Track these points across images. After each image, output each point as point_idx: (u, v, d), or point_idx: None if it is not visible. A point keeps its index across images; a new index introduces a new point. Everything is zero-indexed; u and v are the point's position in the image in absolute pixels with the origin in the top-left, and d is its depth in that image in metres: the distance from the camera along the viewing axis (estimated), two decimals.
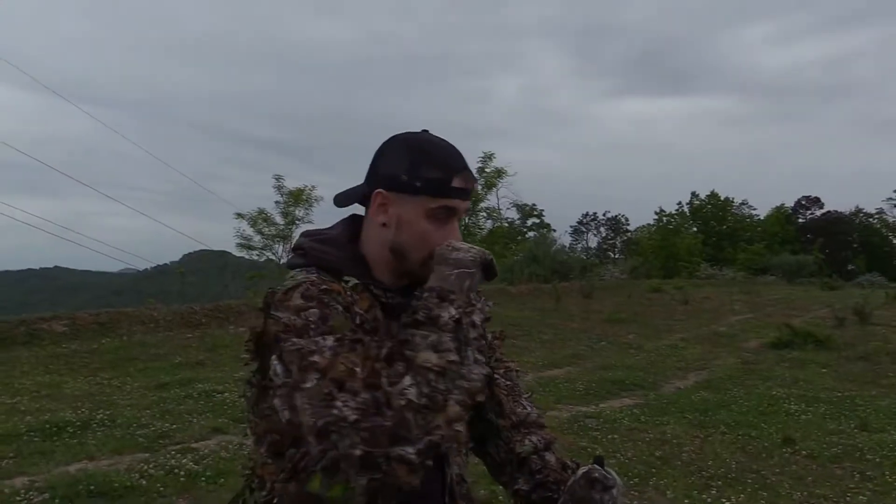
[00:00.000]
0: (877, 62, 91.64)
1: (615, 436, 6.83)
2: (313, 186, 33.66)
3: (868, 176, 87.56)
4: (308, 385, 1.07)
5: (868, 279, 37.82)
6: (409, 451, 1.04)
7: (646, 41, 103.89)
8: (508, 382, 1.56)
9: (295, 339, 1.13)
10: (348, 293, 1.27)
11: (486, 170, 23.34)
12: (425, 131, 1.37)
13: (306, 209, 33.28)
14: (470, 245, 1.29)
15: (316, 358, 1.10)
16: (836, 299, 22.16)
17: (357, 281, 1.31)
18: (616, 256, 59.09)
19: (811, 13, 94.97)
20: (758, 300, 23.89)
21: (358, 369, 1.09)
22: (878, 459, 6.05)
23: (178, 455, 5.73)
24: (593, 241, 70.24)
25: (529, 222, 56.44)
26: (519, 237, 44.23)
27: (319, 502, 1.04)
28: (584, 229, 70.67)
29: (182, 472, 5.30)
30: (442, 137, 1.37)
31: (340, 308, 1.21)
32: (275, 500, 1.21)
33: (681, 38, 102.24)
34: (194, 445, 6.07)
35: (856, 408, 8.10)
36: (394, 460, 1.03)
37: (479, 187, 22.20)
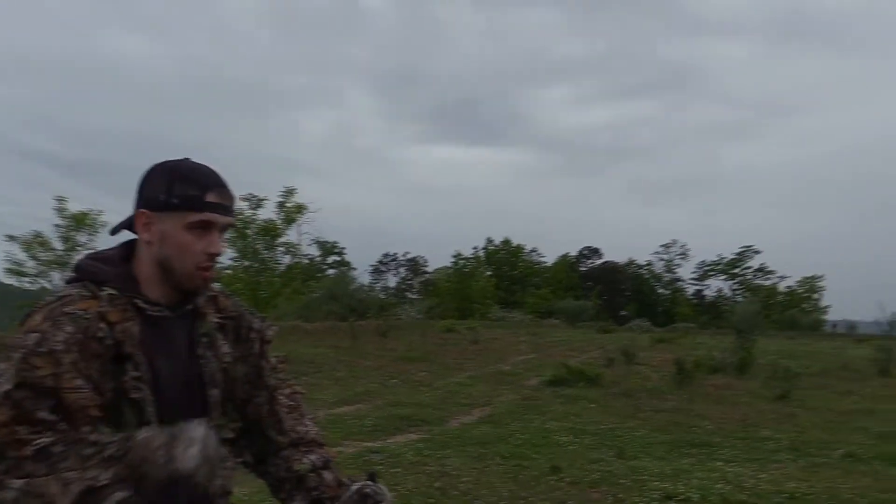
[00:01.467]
0: (654, 131, 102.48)
1: (398, 469, 6.97)
2: (100, 211, 31.31)
3: (641, 231, 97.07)
4: None
5: (637, 324, 41.61)
6: None
7: (455, 92, 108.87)
8: (291, 403, 1.63)
9: None
10: (102, 304, 1.35)
11: (287, 204, 23.06)
12: (186, 159, 1.47)
13: (90, 235, 30.81)
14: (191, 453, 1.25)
15: None
16: (609, 341, 24.20)
17: (114, 292, 1.38)
18: (413, 297, 60.35)
19: (602, 81, 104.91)
20: (541, 342, 25.50)
21: None
22: (629, 483, 6.69)
23: None
24: (392, 282, 71.34)
25: (330, 259, 56.28)
26: (318, 274, 43.93)
27: None
28: (383, 269, 71.63)
29: None
30: (201, 163, 1.47)
31: (69, 332, 1.29)
32: None
33: (488, 91, 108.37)
34: None
35: (616, 438, 8.90)
36: None
37: (253, 211, 21.84)
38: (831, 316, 51.70)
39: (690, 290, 67.95)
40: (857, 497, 6.38)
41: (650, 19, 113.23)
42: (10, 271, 30.89)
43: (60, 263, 30.56)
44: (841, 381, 15.53)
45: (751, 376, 15.15)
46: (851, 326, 41.37)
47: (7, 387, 1.24)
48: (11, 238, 30.43)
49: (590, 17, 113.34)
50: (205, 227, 1.41)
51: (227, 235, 1.50)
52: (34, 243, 30.68)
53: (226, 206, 1.44)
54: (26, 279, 31.10)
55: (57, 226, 30.90)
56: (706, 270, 66.36)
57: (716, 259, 65.46)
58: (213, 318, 1.53)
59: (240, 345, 1.57)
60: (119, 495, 1.21)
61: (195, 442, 1.25)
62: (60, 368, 1.26)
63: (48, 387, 1.25)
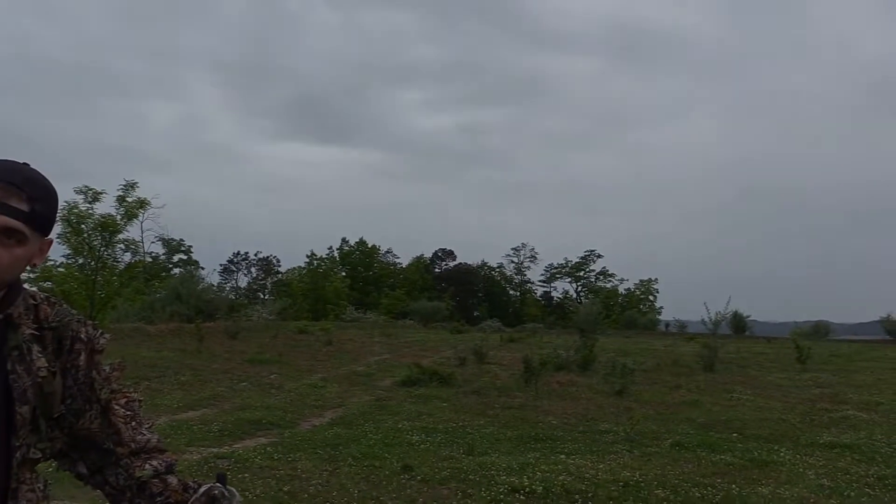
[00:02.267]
0: (503, 137, 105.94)
1: (246, 474, 6.78)
2: None
3: (493, 233, 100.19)
4: None
5: (489, 325, 42.71)
6: None
7: (309, 89, 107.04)
8: (129, 412, 1.55)
9: None
10: None
11: (128, 199, 21.76)
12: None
13: None
14: None
15: None
16: (461, 341, 24.69)
17: None
18: (266, 297, 58.86)
19: (456, 87, 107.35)
20: (396, 342, 25.63)
21: None
22: (478, 479, 6.87)
23: None
24: (243, 282, 69.21)
25: (176, 258, 53.83)
26: (163, 273, 41.87)
27: None
28: (234, 269, 69.37)
29: None
30: (19, 161, 1.36)
31: None
32: None
33: (343, 91, 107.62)
34: None
35: (466, 435, 9.11)
36: None
37: (89, 204, 20.47)
38: (664, 316, 55.43)
39: (539, 291, 70.95)
40: (682, 482, 6.90)
41: (501, 31, 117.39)
42: None
43: None
44: (671, 376, 16.69)
45: (592, 373, 15.97)
46: (682, 326, 44.55)
47: None
48: None
49: (443, 25, 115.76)
50: None
51: (11, 240, 1.30)
52: None
53: (4, 205, 1.30)
54: None
55: None
56: (553, 273, 69.50)
57: (562, 262, 68.79)
58: (29, 329, 1.41)
59: (62, 356, 1.46)
60: None
61: None
62: None
63: None
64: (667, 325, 48.84)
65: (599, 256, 67.68)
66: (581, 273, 68.58)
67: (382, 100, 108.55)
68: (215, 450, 7.88)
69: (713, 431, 9.82)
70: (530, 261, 69.97)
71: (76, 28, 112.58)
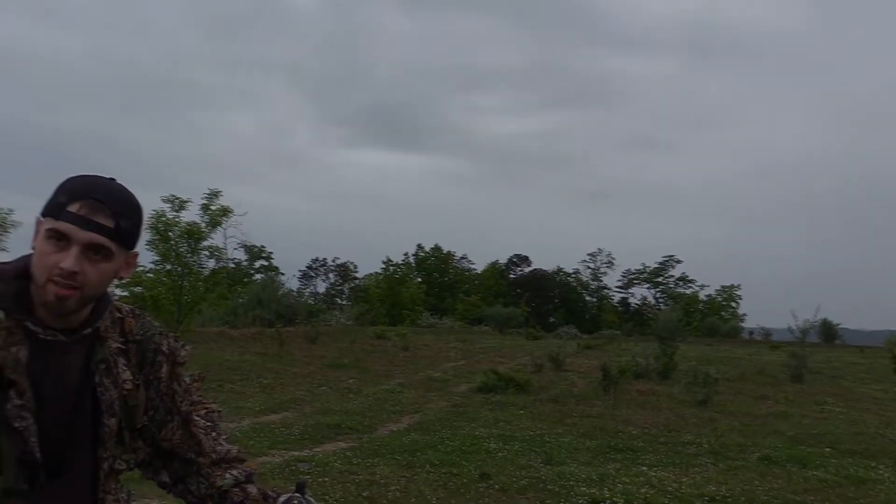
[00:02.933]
0: (580, 141, 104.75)
1: (326, 479, 6.87)
2: (10, 210, 29.92)
3: (569, 239, 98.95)
4: None
5: (565, 331, 42.23)
6: None
7: (384, 96, 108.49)
8: (208, 423, 1.58)
9: None
10: None
11: (212, 207, 22.47)
12: (98, 175, 1.39)
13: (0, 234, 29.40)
14: None
15: None
16: (537, 348, 24.49)
17: (1, 316, 1.30)
18: (343, 303, 59.82)
19: (532, 91, 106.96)
20: (471, 348, 25.63)
21: None
22: (557, 489, 6.77)
23: None
24: (322, 287, 70.53)
25: (257, 264, 55.39)
26: (245, 279, 43.09)
27: None
28: (312, 274, 70.75)
29: None
30: (105, 177, 1.38)
31: None
32: None
33: (418, 97, 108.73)
34: None
35: (544, 444, 9.00)
36: None
37: (176, 213, 21.29)
38: (748, 323, 53.66)
39: (616, 297, 69.68)
40: (771, 499, 6.63)
41: (576, 33, 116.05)
42: None
43: None
44: (757, 386, 16.12)
45: (673, 382, 15.57)
46: (766, 334, 43.02)
47: None
48: None
49: (518, 29, 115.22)
50: (61, 239, 1.31)
51: (98, 256, 1.33)
52: None
53: (89, 221, 1.31)
54: None
55: None
56: (631, 279, 68.13)
57: (640, 268, 67.37)
58: (115, 343, 1.45)
59: (145, 369, 1.50)
60: None
61: None
62: None
63: None
64: (750, 332, 47.28)
65: (679, 262, 66.00)
66: (660, 279, 67.02)
67: (457, 105, 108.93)
68: (296, 453, 8.02)
69: (803, 445, 9.41)
70: (607, 266, 68.86)
71: (164, 43, 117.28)
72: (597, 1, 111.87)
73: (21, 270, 1.35)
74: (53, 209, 1.31)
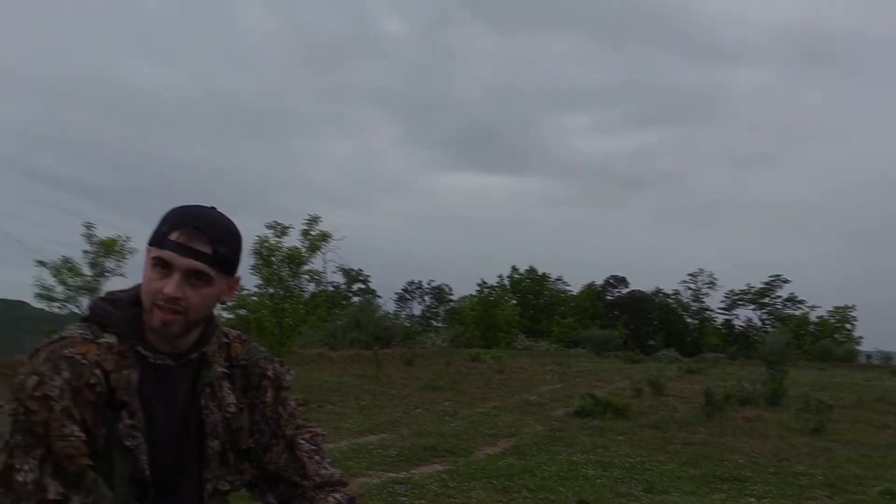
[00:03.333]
0: (676, 158, 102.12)
1: (423, 501, 6.88)
2: (128, 237, 31.80)
3: (667, 259, 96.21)
4: None
5: (665, 354, 41.11)
6: None
7: (476, 119, 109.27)
8: (313, 447, 1.61)
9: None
10: (100, 351, 1.34)
11: (311, 232, 23.23)
12: (200, 205, 1.46)
13: (118, 261, 31.27)
14: None
15: None
16: (636, 372, 23.89)
17: (113, 340, 1.37)
18: (438, 325, 60.22)
19: (622, 109, 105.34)
20: (568, 371, 25.26)
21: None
22: None
23: None
24: (417, 309, 71.27)
25: (355, 287, 56.53)
26: (343, 301, 44.07)
27: None
28: (408, 297, 71.61)
29: None
30: (206, 206, 1.46)
31: (65, 378, 1.29)
32: None
33: (508, 117, 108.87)
34: None
35: (644, 472, 8.71)
36: None
37: (278, 238, 22.18)
38: (865, 346, 50.63)
39: (719, 319, 67.09)
40: None
41: (668, 47, 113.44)
42: (40, 296, 31.41)
43: (89, 289, 30.99)
44: (877, 414, 15.15)
45: (783, 408, 14.83)
46: (886, 357, 40.48)
47: (6, 437, 1.28)
48: (41, 263, 30.98)
49: (608, 46, 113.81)
50: (165, 266, 1.37)
51: (199, 281, 1.38)
52: (63, 269, 31.19)
53: (188, 249, 1.37)
54: (56, 304, 31.56)
55: (85, 251, 31.43)
56: (734, 300, 65.53)
57: (744, 288, 64.68)
58: (220, 367, 1.51)
59: (250, 393, 1.55)
60: None
61: None
62: (52, 415, 1.27)
63: (39, 434, 1.27)
64: (868, 356, 44.63)
65: (786, 282, 62.96)
66: (766, 300, 64.13)
67: (548, 125, 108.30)
68: (393, 475, 8.08)
69: None
70: (709, 287, 66.42)
71: (261, 76, 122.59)
72: (691, 13, 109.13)
73: (134, 298, 1.42)
74: (157, 238, 1.39)
